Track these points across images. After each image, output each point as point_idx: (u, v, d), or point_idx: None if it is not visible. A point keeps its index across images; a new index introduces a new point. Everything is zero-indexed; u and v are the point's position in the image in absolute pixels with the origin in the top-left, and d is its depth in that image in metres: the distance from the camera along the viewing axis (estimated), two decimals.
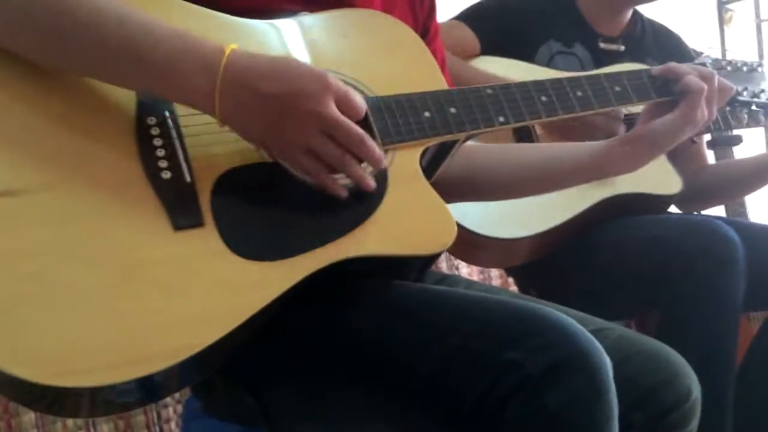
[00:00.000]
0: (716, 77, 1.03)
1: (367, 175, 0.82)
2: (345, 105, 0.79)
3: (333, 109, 0.77)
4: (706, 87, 1.00)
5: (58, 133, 0.75)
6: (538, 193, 1.18)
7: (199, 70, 0.75)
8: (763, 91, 1.21)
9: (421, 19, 1.10)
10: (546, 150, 1.15)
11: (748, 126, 1.31)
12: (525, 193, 1.17)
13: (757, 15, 3.56)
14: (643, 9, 1.70)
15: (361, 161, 0.82)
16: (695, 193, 1.73)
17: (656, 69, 1.05)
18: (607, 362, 0.73)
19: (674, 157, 1.65)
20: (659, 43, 1.68)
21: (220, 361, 0.79)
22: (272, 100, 0.76)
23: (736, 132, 1.87)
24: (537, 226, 1.41)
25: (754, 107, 1.23)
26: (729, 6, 3.47)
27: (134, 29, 0.75)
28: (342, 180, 0.83)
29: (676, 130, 1.00)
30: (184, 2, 0.86)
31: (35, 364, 0.65)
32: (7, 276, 0.68)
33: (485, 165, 1.12)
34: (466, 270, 1.93)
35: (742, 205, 2.09)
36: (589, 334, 0.74)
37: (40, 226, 0.70)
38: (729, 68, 1.20)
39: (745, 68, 1.22)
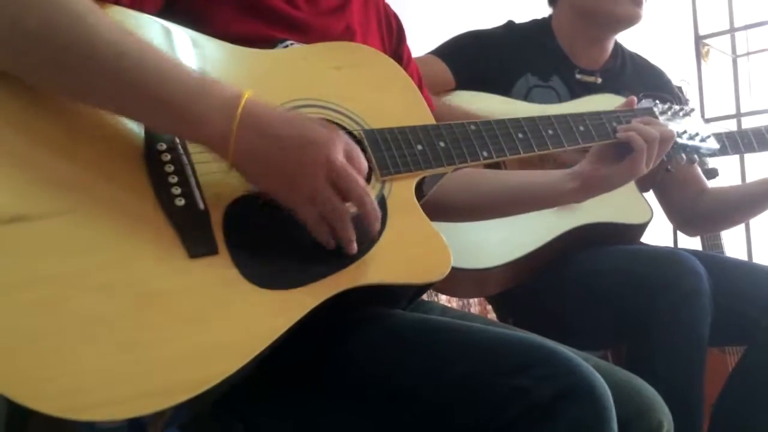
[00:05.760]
0: (657, 141, 1.11)
1: (353, 239, 0.80)
2: (352, 159, 0.80)
3: (343, 159, 0.78)
4: (645, 148, 1.11)
5: (67, 159, 0.72)
6: (494, 217, 1.26)
7: (217, 112, 0.74)
8: (697, 133, 1.30)
9: (390, 49, 1.14)
10: (503, 178, 1.22)
11: (689, 162, 1.34)
12: (481, 218, 1.26)
13: (734, 50, 3.69)
14: (622, 41, 1.70)
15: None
16: (698, 218, 1.72)
17: (620, 135, 1.13)
18: (608, 393, 0.76)
19: (669, 185, 1.69)
20: (639, 77, 1.68)
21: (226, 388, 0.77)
22: (290, 147, 0.76)
23: (711, 165, 1.95)
24: (507, 255, 1.41)
25: (689, 148, 1.30)
26: (706, 41, 3.58)
27: (151, 67, 0.73)
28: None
29: (621, 179, 1.15)
30: (180, 28, 0.86)
31: (52, 397, 0.62)
32: (22, 305, 0.64)
33: (446, 191, 1.15)
34: (445, 296, 1.91)
35: (718, 238, 2.14)
36: (590, 366, 0.77)
37: (54, 253, 0.68)
38: (670, 113, 1.28)
39: (681, 113, 1.31)
